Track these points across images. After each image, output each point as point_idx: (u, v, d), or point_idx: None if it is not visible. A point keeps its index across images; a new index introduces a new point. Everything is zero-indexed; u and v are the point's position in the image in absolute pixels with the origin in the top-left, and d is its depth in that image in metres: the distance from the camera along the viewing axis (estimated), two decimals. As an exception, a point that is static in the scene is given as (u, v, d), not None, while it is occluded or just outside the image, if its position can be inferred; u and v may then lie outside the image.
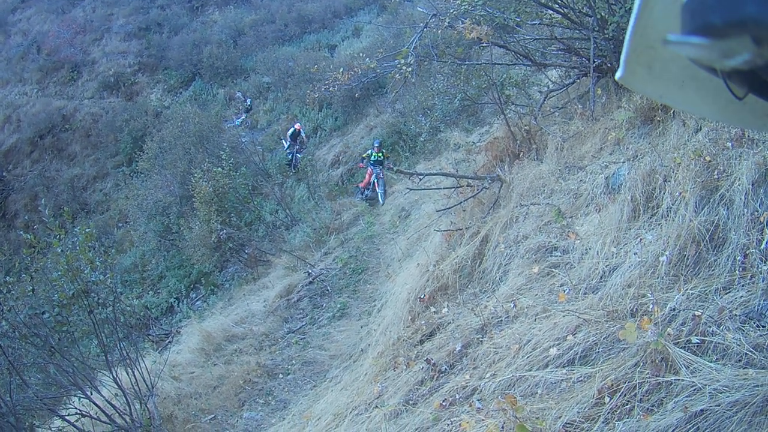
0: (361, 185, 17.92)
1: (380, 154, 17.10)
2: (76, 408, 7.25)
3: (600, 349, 3.50)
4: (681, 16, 0.93)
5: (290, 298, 11.37)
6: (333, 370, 7.83)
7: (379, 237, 12.86)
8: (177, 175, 19.38)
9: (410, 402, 4.55)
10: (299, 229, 15.98)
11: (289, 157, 20.90)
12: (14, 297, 7.44)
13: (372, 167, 17.20)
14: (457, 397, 4.04)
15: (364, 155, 17.73)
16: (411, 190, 9.56)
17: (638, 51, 1.10)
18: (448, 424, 3.77)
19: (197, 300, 17.28)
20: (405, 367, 5.15)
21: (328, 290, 11.04)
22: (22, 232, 8.73)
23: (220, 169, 15.76)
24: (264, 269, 14.82)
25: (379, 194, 17.05)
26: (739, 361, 2.95)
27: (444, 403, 4.05)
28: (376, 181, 17.12)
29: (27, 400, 7.34)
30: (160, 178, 20.16)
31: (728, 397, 2.75)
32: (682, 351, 3.08)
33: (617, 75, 1.15)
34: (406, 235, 10.82)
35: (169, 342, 13.18)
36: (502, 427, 3.18)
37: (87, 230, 7.64)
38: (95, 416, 7.31)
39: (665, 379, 3.03)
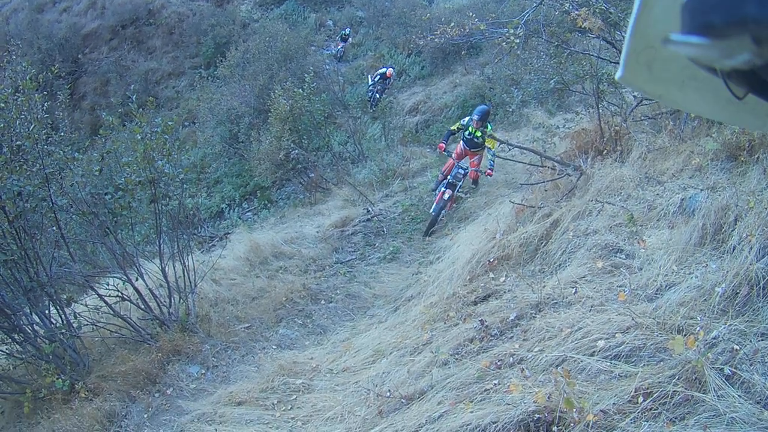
0: (442, 170, 12.21)
1: (479, 133, 11.25)
2: (117, 290, 7.53)
3: (644, 354, 3.74)
4: (681, 16, 0.94)
5: (344, 230, 11.67)
6: (374, 308, 8.10)
7: (442, 192, 12.78)
8: (255, 87, 19.62)
9: (457, 355, 4.85)
10: (366, 166, 16.08)
11: (369, 95, 20.65)
12: (79, 174, 7.66)
13: (464, 146, 11.76)
14: (506, 361, 4.32)
15: (454, 126, 11.73)
16: (497, 156, 10.60)
17: (638, 50, 1.11)
18: (495, 384, 4.06)
19: (248, 211, 17.75)
20: (461, 321, 5.41)
21: (383, 231, 11.33)
22: (104, 114, 8.92)
23: (301, 90, 15.84)
24: (322, 196, 15.05)
25: (435, 204, 11.08)
26: (759, 402, 3.17)
27: (491, 364, 4.33)
28: (446, 186, 11.15)
29: (69, 275, 7.67)
30: (238, 87, 20.41)
31: (742, 429, 3.01)
32: (716, 376, 3.30)
33: (617, 75, 1.15)
34: (471, 199, 11.01)
35: (213, 245, 13.57)
36: (548, 397, 3.46)
37: (169, 123, 7.81)
38: (135, 301, 7.64)
39: (694, 395, 3.27)
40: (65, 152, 7.51)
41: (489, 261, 6.57)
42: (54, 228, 7.52)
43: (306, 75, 17.02)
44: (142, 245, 8.38)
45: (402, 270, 9.01)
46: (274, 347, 7.56)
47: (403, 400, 4.59)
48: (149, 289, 7.77)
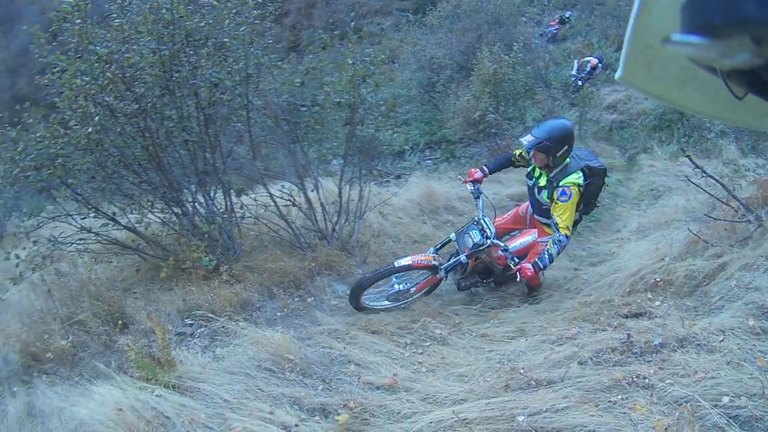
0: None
1: (543, 180, 6.44)
2: (290, 194, 7.93)
3: (759, 425, 3.71)
4: (681, 16, 0.94)
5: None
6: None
7: (622, 199, 12.35)
8: (462, 43, 19.69)
9: (596, 359, 4.91)
10: (553, 148, 15.77)
11: (573, 79, 19.99)
12: (280, 82, 7.98)
13: (530, 205, 7.10)
14: (638, 381, 4.35)
15: (518, 150, 7.09)
16: (690, 181, 8.08)
17: (638, 50, 1.11)
18: (621, 398, 4.14)
19: (429, 159, 17.88)
20: (610, 329, 5.45)
21: (556, 218, 10.90)
22: (319, 32, 9.25)
23: (507, 57, 15.85)
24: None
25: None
26: None
27: (624, 379, 4.39)
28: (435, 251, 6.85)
29: (246, 168, 8.27)
30: (445, 39, 20.48)
31: None
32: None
33: (617, 75, 1.16)
34: (648, 214, 10.44)
35: (387, 181, 14.10)
36: (666, 428, 3.56)
37: (382, 56, 8.00)
38: (304, 210, 8.01)
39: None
40: (270, 58, 7.89)
41: (655, 280, 6.41)
42: (239, 124, 8.05)
43: (515, 43, 16.96)
44: (319, 162, 8.74)
45: (562, 261, 8.74)
46: (437, 294, 7.51)
47: (533, 383, 4.66)
48: (321, 203, 8.06)
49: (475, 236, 6.47)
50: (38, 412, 5.08)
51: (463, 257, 6.54)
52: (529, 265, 5.95)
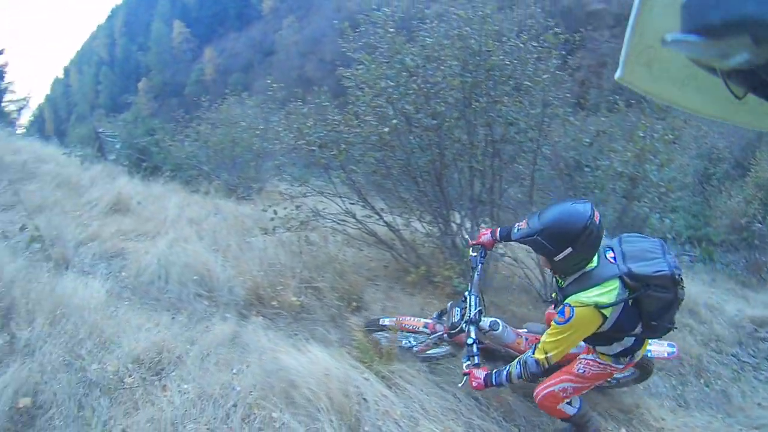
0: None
1: (559, 285, 4.23)
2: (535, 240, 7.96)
3: None
4: (680, 15, 0.93)
5: (758, 330, 10.46)
6: (735, 420, 7.32)
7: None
8: (744, 138, 18.88)
9: None
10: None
11: None
12: (570, 137, 8.01)
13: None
14: None
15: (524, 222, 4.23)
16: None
17: (638, 50, 1.10)
18: None
19: (686, 254, 16.69)
20: None
21: (786, 355, 10.19)
22: (617, 98, 9.20)
23: None
24: (757, 283, 13.92)
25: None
26: None
27: None
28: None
29: (521, 211, 7.93)
30: (730, 129, 19.44)
31: None
32: None
33: (616, 75, 1.16)
34: None
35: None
36: None
37: (668, 136, 7.74)
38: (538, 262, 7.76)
39: None
40: (565, 111, 7.78)
41: None
42: (521, 166, 8.03)
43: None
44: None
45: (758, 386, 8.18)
46: (640, 386, 7.07)
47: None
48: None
49: (455, 315, 5.10)
50: (241, 343, 5.57)
51: (445, 334, 5.33)
52: (482, 374, 4.33)
